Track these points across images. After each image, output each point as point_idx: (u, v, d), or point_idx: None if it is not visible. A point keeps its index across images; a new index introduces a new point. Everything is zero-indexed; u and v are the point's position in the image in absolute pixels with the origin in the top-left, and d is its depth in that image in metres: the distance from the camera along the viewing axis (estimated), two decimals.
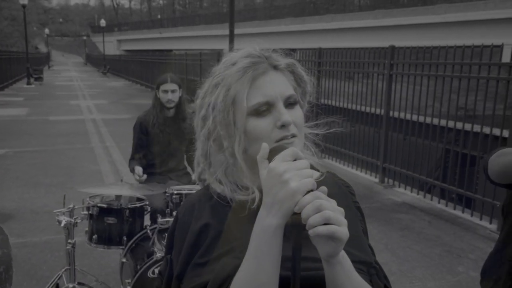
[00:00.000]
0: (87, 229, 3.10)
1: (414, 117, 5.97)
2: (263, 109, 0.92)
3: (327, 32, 27.84)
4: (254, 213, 0.91)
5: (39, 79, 27.89)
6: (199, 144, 1.01)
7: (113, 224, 3.04)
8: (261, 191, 0.90)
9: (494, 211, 4.96)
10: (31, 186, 6.28)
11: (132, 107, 15.99)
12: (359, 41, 24.31)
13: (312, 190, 0.79)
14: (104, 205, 3.04)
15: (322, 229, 0.75)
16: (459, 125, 5.34)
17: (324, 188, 0.80)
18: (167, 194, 3.18)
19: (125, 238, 3.03)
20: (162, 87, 3.53)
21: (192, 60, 16.16)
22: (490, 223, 5.01)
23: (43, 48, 74.58)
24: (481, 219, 5.11)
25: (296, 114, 0.95)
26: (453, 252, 4.35)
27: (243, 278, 0.83)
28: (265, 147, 0.86)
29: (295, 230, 0.84)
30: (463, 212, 5.32)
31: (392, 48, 6.17)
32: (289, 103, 0.94)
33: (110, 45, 59.35)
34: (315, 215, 0.75)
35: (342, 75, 7.47)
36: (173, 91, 3.53)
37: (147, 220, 3.28)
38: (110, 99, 19.21)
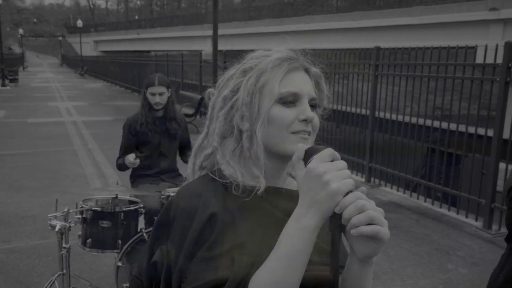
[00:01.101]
0: (80, 233, 3.05)
1: (400, 117, 6.06)
2: (290, 100, 0.95)
3: (306, 33, 27.98)
4: (261, 208, 0.94)
5: (14, 80, 27.28)
6: (215, 124, 1.00)
7: (107, 227, 2.99)
8: (267, 180, 0.94)
9: (479, 209, 5.07)
10: (15, 190, 6.13)
11: (113, 109, 15.79)
12: (337, 42, 24.51)
13: (351, 191, 0.80)
14: (99, 209, 2.99)
15: (367, 229, 0.76)
16: (443, 124, 5.46)
17: (363, 188, 0.82)
18: (162, 196, 3.16)
19: (120, 242, 2.99)
20: (150, 90, 3.51)
21: (173, 61, 16.05)
22: (476, 220, 5.12)
23: (16, 49, 72.85)
24: (467, 216, 5.22)
25: (315, 117, 0.97)
26: (441, 250, 4.43)
27: (270, 277, 0.82)
28: (301, 148, 0.87)
29: (334, 230, 0.85)
30: (449, 210, 5.43)
31: (377, 49, 6.26)
32: (311, 105, 0.97)
33: (87, 46, 58.46)
34: (359, 215, 0.77)
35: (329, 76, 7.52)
36: (160, 94, 3.50)
37: (141, 223, 3.25)
38: (89, 101, 18.91)
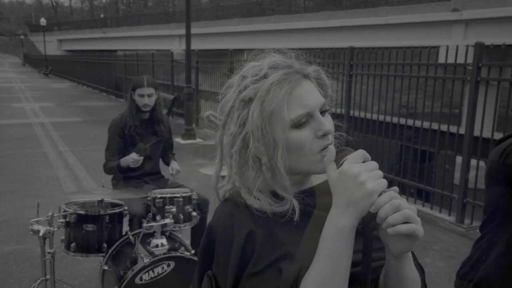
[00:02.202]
0: (63, 237, 2.99)
1: (374, 116, 6.19)
2: (303, 121, 0.91)
3: (275, 32, 28.12)
4: (303, 208, 0.94)
5: None
6: (230, 162, 0.96)
7: (92, 231, 2.95)
8: (297, 200, 0.93)
9: (452, 204, 5.25)
10: None
11: (82, 110, 15.45)
12: (305, 42, 24.78)
13: (384, 191, 0.83)
14: (83, 212, 2.94)
15: (405, 227, 0.79)
16: (416, 123, 5.62)
17: (396, 188, 0.84)
18: (148, 198, 3.13)
19: (105, 245, 2.95)
20: (138, 91, 3.47)
21: (143, 60, 15.84)
22: (449, 215, 5.29)
23: None
24: (440, 212, 5.39)
25: (330, 122, 0.96)
26: (418, 244, 4.51)
27: (317, 280, 0.84)
28: (332, 150, 0.89)
29: (368, 228, 0.89)
30: (423, 205, 5.59)
31: (352, 49, 6.37)
32: (322, 111, 0.95)
33: (50, 45, 56.83)
34: (395, 214, 0.79)
35: None
36: (149, 95, 3.47)
37: (125, 226, 3.21)
38: (56, 101, 18.40)
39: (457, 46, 5.00)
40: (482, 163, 4.99)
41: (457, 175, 5.25)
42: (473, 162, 5.08)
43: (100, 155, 3.99)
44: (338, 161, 0.88)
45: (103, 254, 2.96)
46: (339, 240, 0.84)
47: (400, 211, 0.79)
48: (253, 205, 0.94)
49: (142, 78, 3.57)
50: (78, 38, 54.26)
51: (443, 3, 19.70)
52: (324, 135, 0.92)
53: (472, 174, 4.99)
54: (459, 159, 5.20)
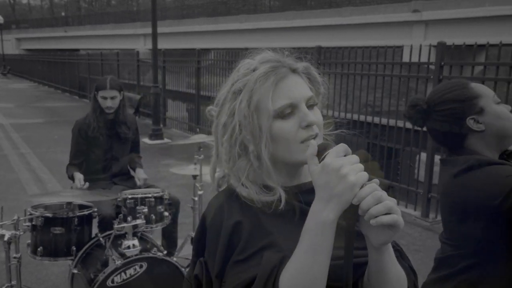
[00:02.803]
0: (29, 241, 2.91)
1: (342, 115, 6.30)
2: (288, 112, 0.96)
3: (241, 32, 28.14)
4: (285, 206, 0.97)
5: None
6: (221, 150, 1.02)
7: (60, 234, 2.88)
8: (285, 191, 0.96)
9: (417, 199, 5.41)
10: None
11: (44, 110, 14.99)
12: (271, 42, 24.86)
13: (365, 183, 0.85)
14: (50, 215, 2.87)
15: (387, 218, 0.81)
16: (382, 120, 5.76)
17: (377, 180, 0.86)
18: (119, 199, 3.09)
19: (74, 248, 2.89)
20: (101, 93, 3.41)
21: (108, 60, 15.53)
22: (415, 210, 5.45)
23: None
24: (406, 207, 5.54)
25: (317, 115, 0.99)
26: None
27: (296, 271, 0.86)
28: (313, 144, 0.90)
29: (348, 221, 0.90)
30: None
31: (319, 48, 6.46)
32: (310, 105, 0.98)
33: (8, 44, 54.73)
34: (378, 206, 0.81)
35: None
36: (112, 98, 3.42)
37: (94, 228, 3.15)
38: (15, 102, 17.76)
39: (421, 46, 5.14)
40: None
41: (421, 172, 5.41)
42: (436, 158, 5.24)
43: (65, 157, 3.89)
44: (320, 156, 0.89)
45: (72, 258, 2.90)
46: (321, 233, 0.85)
47: (382, 202, 0.81)
48: (241, 192, 0.99)
49: (105, 79, 3.52)
50: (38, 36, 52.55)
51: (404, 4, 20.22)
52: (308, 125, 0.95)
53: (435, 169, 5.15)
54: (422, 155, 5.36)
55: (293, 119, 0.96)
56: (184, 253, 3.59)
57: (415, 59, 5.18)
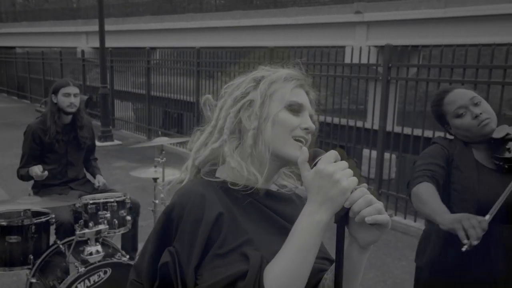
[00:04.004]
0: None
1: None
2: (296, 108, 1.06)
3: (188, 31, 27.82)
4: (260, 210, 1.04)
5: None
6: (224, 120, 1.08)
7: (16, 243, 2.79)
8: (265, 180, 1.04)
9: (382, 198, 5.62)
10: None
11: None
12: (219, 41, 24.86)
13: (355, 188, 0.92)
14: (4, 223, 2.76)
15: (382, 217, 0.89)
16: (332, 119, 5.96)
17: (365, 184, 0.94)
18: (78, 205, 3.01)
19: (31, 257, 2.80)
20: (64, 90, 3.32)
21: (50, 59, 14.89)
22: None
23: None
24: None
25: (314, 128, 1.09)
26: None
27: (285, 269, 0.91)
28: (305, 151, 0.97)
29: (339, 223, 0.97)
30: None
31: (271, 49, 6.56)
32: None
33: None
34: (369, 208, 0.89)
35: (221, 76, 7.70)
36: (75, 95, 3.35)
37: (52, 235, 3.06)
38: None
39: (369, 48, 5.36)
40: (393, 155, 5.42)
41: (364, 167, 5.65)
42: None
43: (8, 161, 3.73)
44: (311, 162, 0.96)
45: (30, 266, 2.81)
46: (313, 234, 0.92)
47: (373, 205, 0.89)
48: (230, 162, 1.04)
49: (64, 79, 3.50)
50: None
51: (347, 5, 20.81)
52: (306, 129, 1.05)
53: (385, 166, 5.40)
54: (366, 152, 5.60)
55: (297, 118, 1.06)
56: None
57: (356, 60, 5.42)
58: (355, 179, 0.91)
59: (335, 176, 0.90)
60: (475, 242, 1.43)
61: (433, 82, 4.92)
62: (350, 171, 0.92)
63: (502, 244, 1.69)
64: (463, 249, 1.44)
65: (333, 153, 0.94)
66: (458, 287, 1.75)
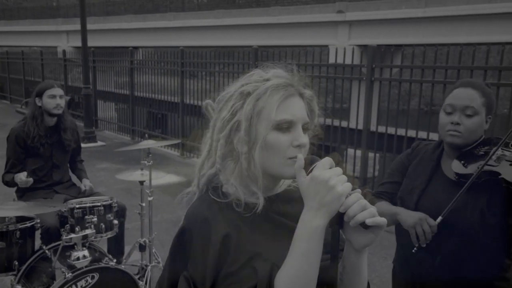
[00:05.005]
0: None
1: None
2: (285, 126, 1.02)
3: (171, 30, 27.66)
4: (266, 218, 1.05)
5: None
6: (216, 145, 1.06)
7: (0, 249, 2.74)
8: (266, 198, 1.03)
9: None
10: None
11: None
12: (202, 40, 24.81)
13: (349, 193, 0.95)
14: None
15: (380, 219, 0.92)
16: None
17: (359, 190, 0.97)
18: (64, 209, 2.98)
19: (16, 263, 2.76)
20: (49, 92, 3.29)
21: (30, 59, 14.64)
22: None
23: None
24: None
25: (307, 139, 1.06)
26: None
27: (292, 275, 0.94)
28: (301, 158, 0.99)
29: (334, 227, 0.99)
30: None
31: (256, 49, 6.57)
32: (304, 128, 1.05)
33: None
34: (363, 212, 0.92)
35: (206, 76, 7.69)
36: (60, 97, 3.33)
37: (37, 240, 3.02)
38: None
39: (353, 48, 5.42)
40: (377, 155, 5.49)
41: (349, 166, 5.70)
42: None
43: None
44: (307, 168, 0.98)
45: (14, 273, 2.77)
46: (313, 239, 0.94)
47: (367, 209, 0.92)
48: (227, 190, 1.04)
49: (48, 81, 3.48)
50: None
51: (329, 5, 20.93)
52: (298, 146, 1.02)
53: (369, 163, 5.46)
54: (350, 151, 5.66)
55: (288, 135, 1.02)
56: (132, 260, 3.55)
57: (340, 59, 5.47)
58: (349, 185, 0.94)
59: (330, 182, 0.92)
60: (423, 245, 1.66)
61: (416, 82, 5.00)
62: (345, 177, 0.94)
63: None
64: (413, 250, 1.67)
65: (328, 160, 0.96)
66: (420, 285, 1.80)
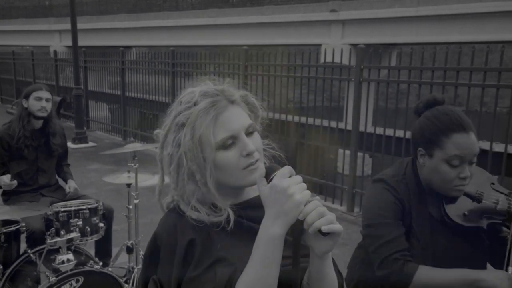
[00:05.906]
0: None
1: (270, 115, 6.47)
2: (229, 143, 1.03)
3: (165, 29, 27.58)
4: (236, 219, 1.06)
5: None
6: (170, 178, 1.09)
7: None
8: (233, 211, 1.06)
9: (342, 195, 5.72)
10: None
11: None
12: (196, 39, 24.76)
13: (308, 200, 0.96)
14: None
15: (336, 226, 0.94)
16: (309, 120, 6.02)
17: (318, 197, 0.99)
18: (49, 212, 2.97)
19: (0, 267, 2.76)
20: (35, 94, 3.29)
21: (21, 59, 14.54)
22: (341, 205, 5.76)
23: None
24: (333, 202, 5.84)
25: (256, 141, 1.08)
26: None
27: (251, 281, 0.96)
28: (261, 168, 1.03)
29: (295, 235, 1.01)
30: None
31: (246, 51, 6.57)
32: (249, 132, 1.06)
33: None
34: (321, 219, 0.93)
35: (197, 76, 7.68)
36: (47, 100, 3.32)
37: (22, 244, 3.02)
38: None
39: (350, 49, 5.43)
40: (366, 154, 5.51)
41: (339, 164, 5.73)
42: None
43: None
44: (268, 177, 1.00)
45: None
46: (271, 246, 0.96)
47: (325, 216, 0.94)
48: (191, 216, 1.05)
49: (38, 84, 3.49)
50: None
51: (322, 4, 20.95)
52: (248, 154, 1.03)
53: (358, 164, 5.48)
54: (341, 151, 5.68)
55: (234, 149, 1.03)
56: (120, 262, 3.54)
57: (331, 58, 5.48)
58: (308, 193, 0.96)
59: (289, 190, 0.94)
60: None
61: (404, 83, 5.02)
62: (304, 185, 0.96)
63: None
64: None
65: (287, 168, 0.99)
66: None
